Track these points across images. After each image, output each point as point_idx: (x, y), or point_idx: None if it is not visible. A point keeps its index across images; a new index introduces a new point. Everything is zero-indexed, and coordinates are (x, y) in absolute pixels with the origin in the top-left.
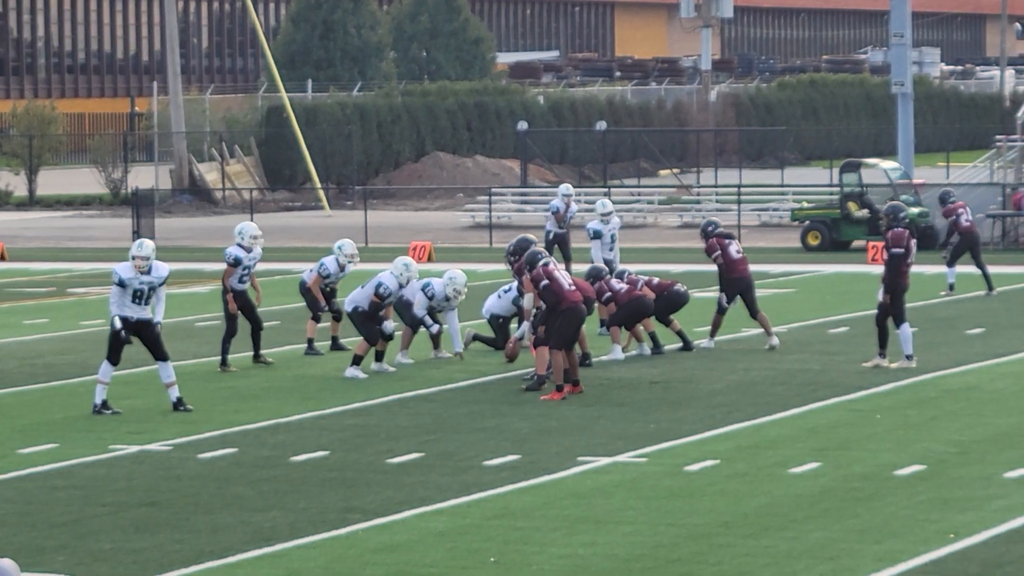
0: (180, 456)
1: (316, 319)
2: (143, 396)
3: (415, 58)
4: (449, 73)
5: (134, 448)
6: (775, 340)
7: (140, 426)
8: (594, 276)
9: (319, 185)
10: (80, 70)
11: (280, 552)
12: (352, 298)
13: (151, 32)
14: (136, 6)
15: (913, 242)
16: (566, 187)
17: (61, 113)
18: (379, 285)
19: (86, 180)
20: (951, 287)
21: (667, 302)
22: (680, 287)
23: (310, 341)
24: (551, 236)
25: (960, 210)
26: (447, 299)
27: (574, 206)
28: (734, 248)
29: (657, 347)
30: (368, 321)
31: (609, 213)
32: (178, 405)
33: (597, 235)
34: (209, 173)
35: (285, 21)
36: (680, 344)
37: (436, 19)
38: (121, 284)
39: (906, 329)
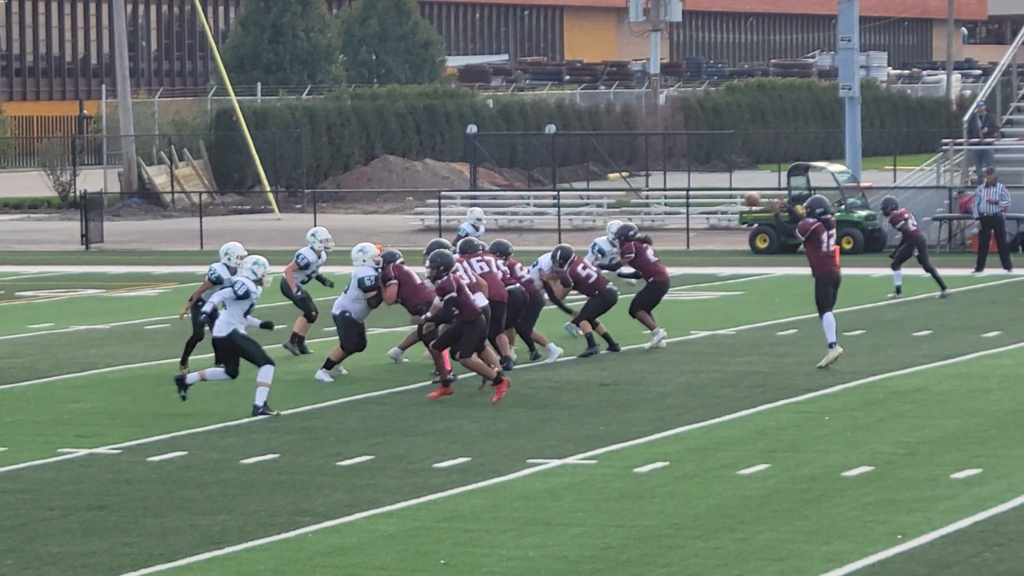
0: (129, 459)
1: (309, 318)
2: (91, 399)
3: (364, 61)
4: (399, 76)
5: (82, 451)
6: (657, 338)
7: (88, 429)
8: (563, 258)
9: (268, 188)
10: (28, 73)
11: (229, 555)
12: (339, 304)
13: (100, 35)
14: (84, 9)
15: (826, 234)
16: (477, 211)
17: (9, 116)
18: (362, 279)
19: (34, 183)
20: (897, 290)
21: (600, 301)
22: (612, 286)
23: (301, 339)
24: None
25: (906, 215)
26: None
27: (482, 229)
28: (651, 252)
29: (612, 346)
30: (351, 328)
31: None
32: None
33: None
34: (158, 176)
35: (234, 24)
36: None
37: (385, 22)
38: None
39: (828, 318)
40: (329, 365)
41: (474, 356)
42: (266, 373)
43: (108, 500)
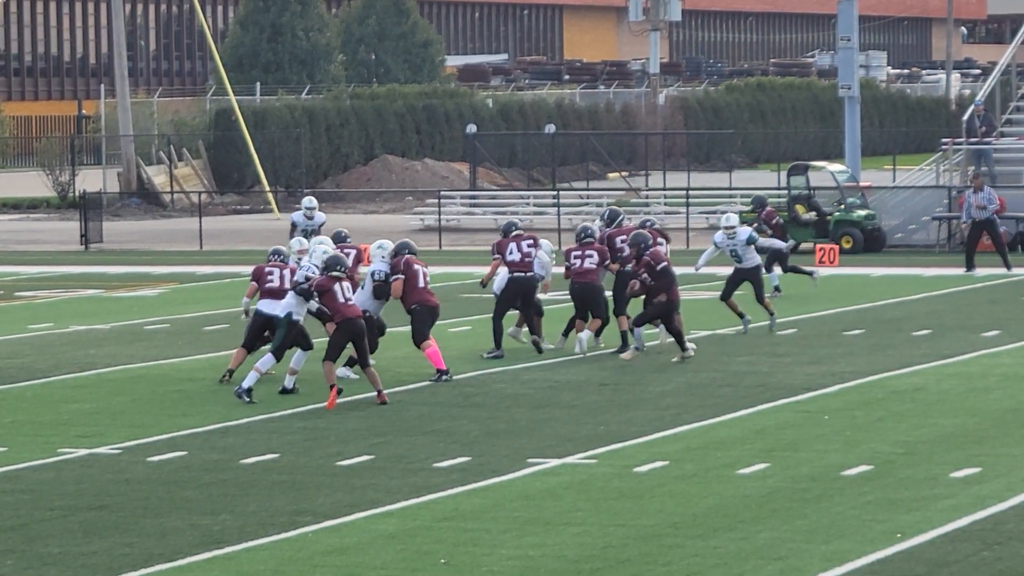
0: (129, 460)
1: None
2: (91, 400)
3: (363, 61)
4: (398, 76)
5: (83, 452)
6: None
7: (89, 429)
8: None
9: (268, 188)
10: (27, 72)
11: (230, 555)
12: (360, 302)
13: (98, 35)
14: (83, 8)
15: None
16: (309, 199)
17: (7, 116)
18: (373, 273)
19: (33, 183)
20: (776, 289)
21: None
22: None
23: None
24: None
25: (775, 216)
26: None
27: (320, 216)
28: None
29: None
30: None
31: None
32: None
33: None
34: (157, 176)
35: (233, 24)
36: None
37: (385, 22)
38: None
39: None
40: (351, 362)
41: (329, 364)
42: (299, 359)
43: (108, 500)
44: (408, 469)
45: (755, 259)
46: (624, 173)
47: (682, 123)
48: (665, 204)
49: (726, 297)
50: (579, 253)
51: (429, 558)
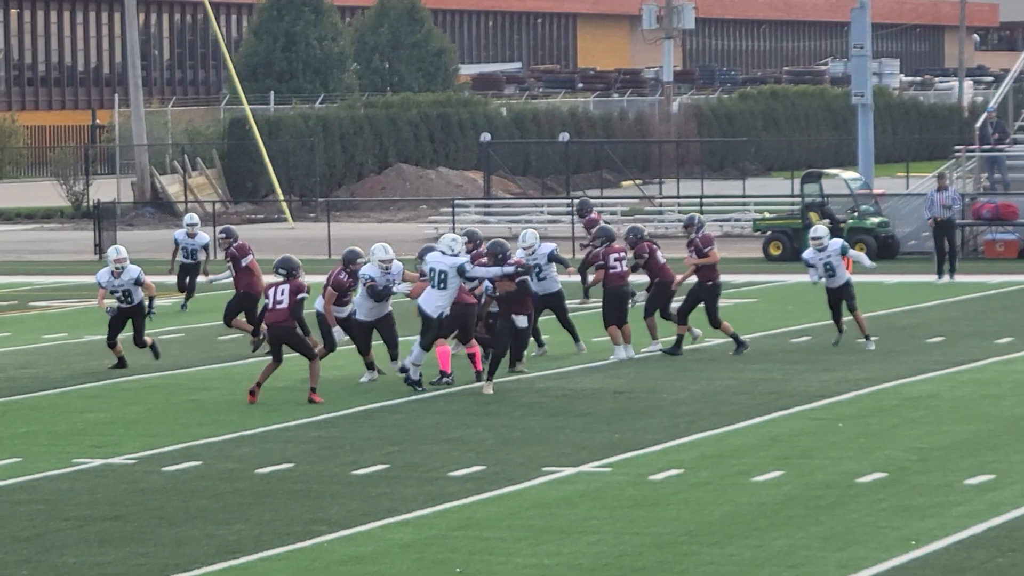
0: (144, 469)
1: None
2: (106, 409)
3: (377, 70)
4: (412, 85)
5: (98, 462)
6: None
7: (103, 439)
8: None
9: (282, 197)
10: (41, 82)
11: (245, 565)
12: (356, 304)
13: (112, 44)
14: (97, 18)
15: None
16: (191, 216)
17: (21, 126)
18: (362, 276)
19: (47, 193)
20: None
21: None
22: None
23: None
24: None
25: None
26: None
27: (203, 236)
28: (660, 254)
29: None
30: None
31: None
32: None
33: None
34: (171, 186)
35: (247, 33)
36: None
37: (398, 31)
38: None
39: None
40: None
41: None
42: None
43: (123, 510)
44: (423, 478)
45: (845, 275)
46: (638, 181)
47: (696, 131)
48: (679, 212)
49: (838, 319)
50: (617, 256)
51: (444, 567)
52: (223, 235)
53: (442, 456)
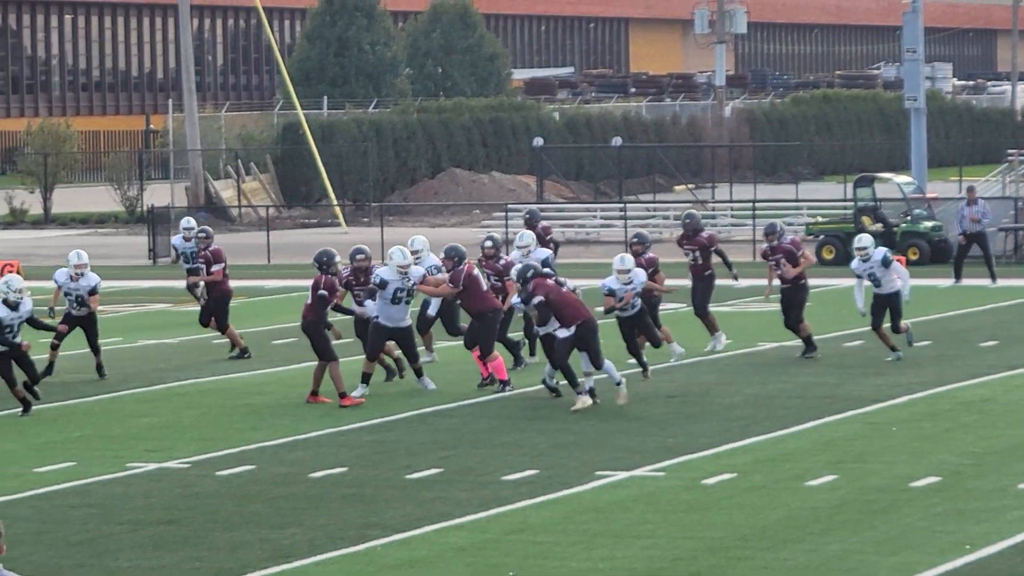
0: (198, 473)
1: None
2: (160, 414)
3: (430, 74)
4: (464, 89)
5: (152, 466)
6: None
7: (157, 444)
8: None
9: (335, 202)
10: (95, 87)
11: (299, 569)
12: (375, 309)
13: (166, 49)
14: (151, 23)
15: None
16: (187, 220)
17: (76, 131)
18: (375, 278)
19: (101, 198)
20: None
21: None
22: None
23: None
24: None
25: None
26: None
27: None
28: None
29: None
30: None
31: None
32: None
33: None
34: (225, 190)
35: (300, 38)
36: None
37: (451, 35)
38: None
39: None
40: (366, 379)
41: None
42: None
43: (177, 514)
44: (477, 482)
45: (895, 284)
46: (690, 185)
47: (748, 135)
48: (732, 216)
49: (877, 326)
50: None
51: (498, 571)
52: (202, 234)
53: (496, 460)
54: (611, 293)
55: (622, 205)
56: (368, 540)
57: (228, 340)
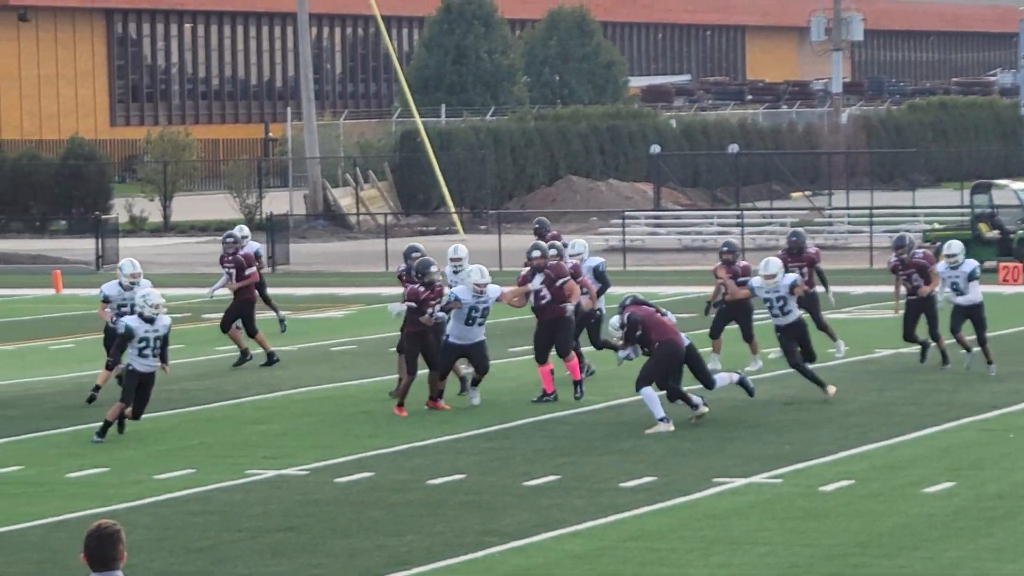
0: (317, 481)
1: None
2: (279, 421)
3: (547, 82)
4: (582, 97)
5: (271, 473)
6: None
7: (276, 451)
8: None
9: (453, 209)
10: (214, 96)
11: None
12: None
13: (285, 58)
14: (270, 32)
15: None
16: (241, 228)
17: (195, 139)
18: (449, 296)
19: (220, 206)
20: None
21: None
22: None
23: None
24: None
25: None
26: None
27: (252, 244)
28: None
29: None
30: (447, 353)
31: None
32: None
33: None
34: (343, 198)
35: (418, 46)
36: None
37: (568, 43)
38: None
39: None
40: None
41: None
42: None
43: (296, 521)
44: (594, 489)
45: (977, 296)
46: (807, 192)
47: (865, 142)
48: (848, 223)
49: (956, 330)
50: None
51: None
52: (230, 239)
53: (613, 467)
54: (754, 293)
55: (739, 212)
56: (486, 547)
57: (245, 347)
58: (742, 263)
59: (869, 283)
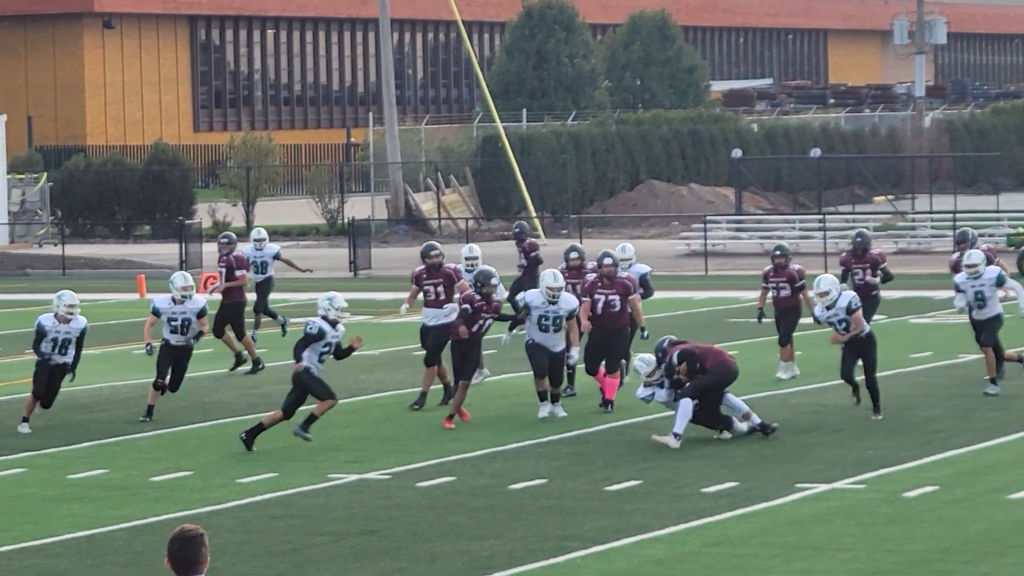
0: (399, 485)
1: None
2: (361, 425)
3: (629, 87)
4: (663, 101)
5: (353, 477)
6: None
7: (358, 455)
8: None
9: (534, 214)
10: (296, 102)
11: None
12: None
13: (367, 63)
14: (352, 38)
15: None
16: (258, 231)
17: (278, 144)
18: (521, 301)
19: (303, 210)
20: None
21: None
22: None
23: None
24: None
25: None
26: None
27: (271, 247)
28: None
29: None
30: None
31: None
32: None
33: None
34: (425, 203)
35: (499, 51)
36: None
37: (649, 48)
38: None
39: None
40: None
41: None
42: None
43: (378, 525)
44: (676, 494)
45: (997, 307)
46: (890, 196)
47: (948, 146)
48: (932, 227)
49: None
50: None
51: None
52: (224, 240)
53: (695, 472)
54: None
55: (821, 216)
56: (567, 552)
57: (238, 350)
58: (796, 267)
59: (952, 288)
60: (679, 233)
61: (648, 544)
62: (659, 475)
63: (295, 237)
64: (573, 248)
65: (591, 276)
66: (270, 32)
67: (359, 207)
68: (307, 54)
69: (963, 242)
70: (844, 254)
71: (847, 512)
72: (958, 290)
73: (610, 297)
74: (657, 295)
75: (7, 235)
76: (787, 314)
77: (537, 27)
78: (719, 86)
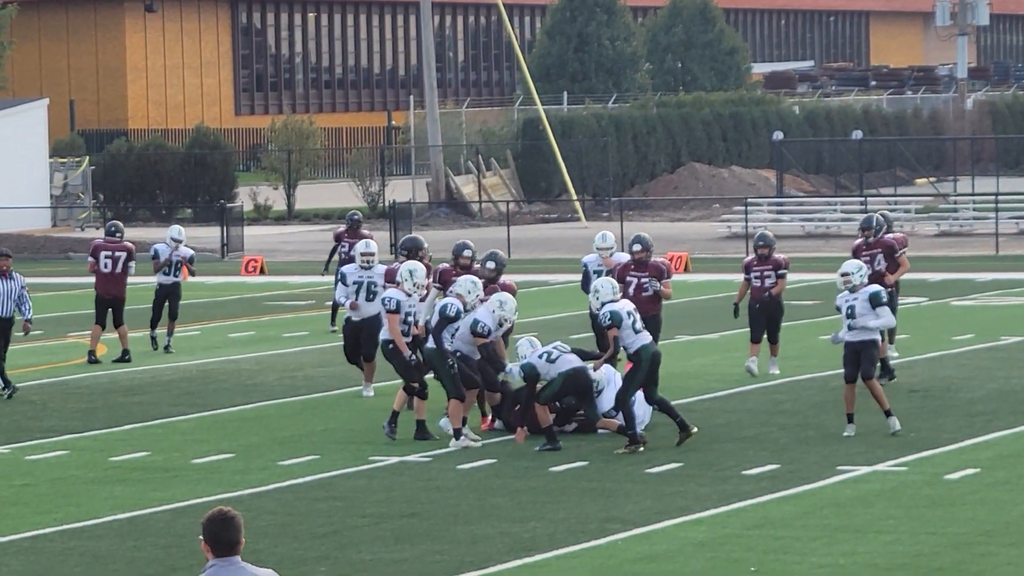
0: (439, 467)
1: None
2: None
3: (670, 69)
4: (704, 84)
5: (394, 459)
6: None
7: (399, 437)
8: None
9: (575, 197)
10: (337, 85)
11: (540, 563)
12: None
13: (407, 46)
14: (392, 21)
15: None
16: (176, 229)
17: (319, 127)
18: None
19: (344, 194)
20: None
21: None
22: None
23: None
24: (158, 287)
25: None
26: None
27: (186, 250)
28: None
29: None
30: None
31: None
32: None
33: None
34: (466, 186)
35: (540, 34)
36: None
37: (691, 30)
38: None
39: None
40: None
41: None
42: None
43: (419, 508)
44: (717, 476)
45: (872, 333)
46: (932, 179)
47: (990, 127)
48: (974, 209)
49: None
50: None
51: (739, 566)
52: (173, 242)
53: (736, 455)
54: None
55: (863, 199)
56: (608, 534)
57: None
58: (778, 256)
59: (995, 270)
60: (720, 216)
61: (689, 526)
62: (700, 457)
63: (336, 220)
64: (637, 239)
65: (623, 258)
66: (311, 15)
67: (400, 190)
68: (348, 37)
69: (867, 229)
70: (858, 243)
71: (889, 494)
72: (837, 309)
73: (642, 280)
74: (698, 277)
75: (50, 219)
76: (770, 308)
77: (578, 10)
78: (760, 68)
